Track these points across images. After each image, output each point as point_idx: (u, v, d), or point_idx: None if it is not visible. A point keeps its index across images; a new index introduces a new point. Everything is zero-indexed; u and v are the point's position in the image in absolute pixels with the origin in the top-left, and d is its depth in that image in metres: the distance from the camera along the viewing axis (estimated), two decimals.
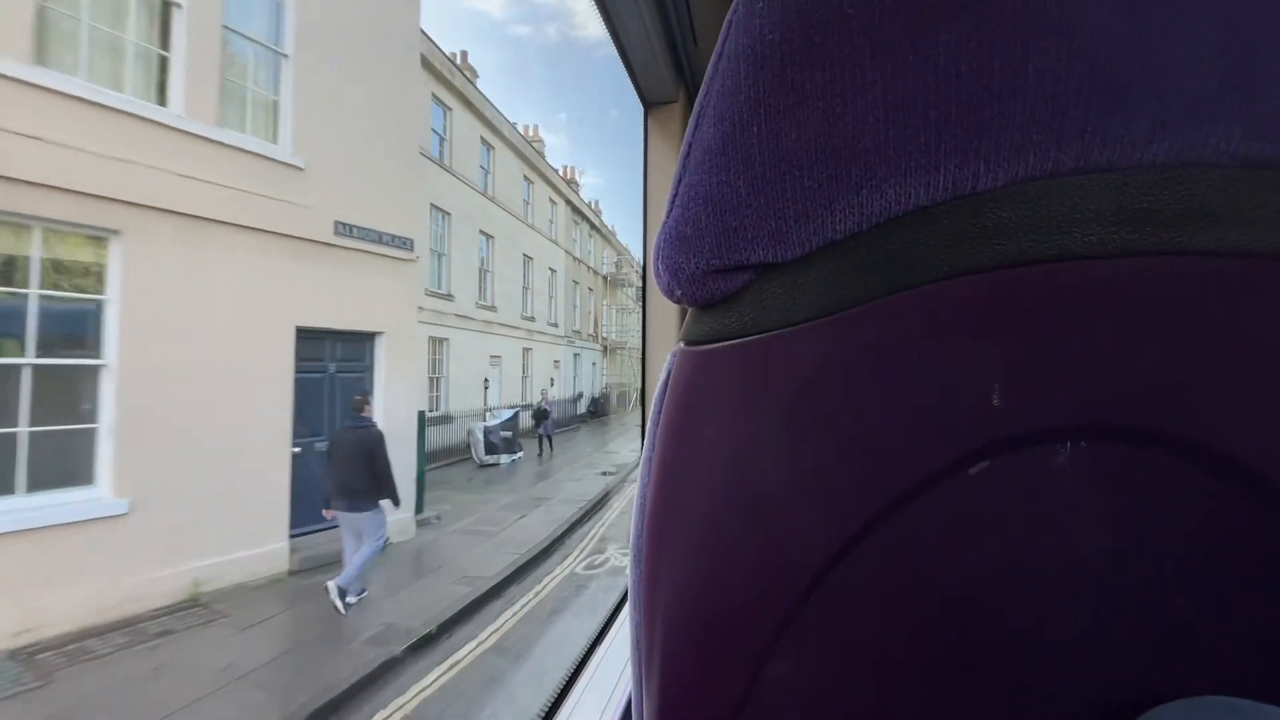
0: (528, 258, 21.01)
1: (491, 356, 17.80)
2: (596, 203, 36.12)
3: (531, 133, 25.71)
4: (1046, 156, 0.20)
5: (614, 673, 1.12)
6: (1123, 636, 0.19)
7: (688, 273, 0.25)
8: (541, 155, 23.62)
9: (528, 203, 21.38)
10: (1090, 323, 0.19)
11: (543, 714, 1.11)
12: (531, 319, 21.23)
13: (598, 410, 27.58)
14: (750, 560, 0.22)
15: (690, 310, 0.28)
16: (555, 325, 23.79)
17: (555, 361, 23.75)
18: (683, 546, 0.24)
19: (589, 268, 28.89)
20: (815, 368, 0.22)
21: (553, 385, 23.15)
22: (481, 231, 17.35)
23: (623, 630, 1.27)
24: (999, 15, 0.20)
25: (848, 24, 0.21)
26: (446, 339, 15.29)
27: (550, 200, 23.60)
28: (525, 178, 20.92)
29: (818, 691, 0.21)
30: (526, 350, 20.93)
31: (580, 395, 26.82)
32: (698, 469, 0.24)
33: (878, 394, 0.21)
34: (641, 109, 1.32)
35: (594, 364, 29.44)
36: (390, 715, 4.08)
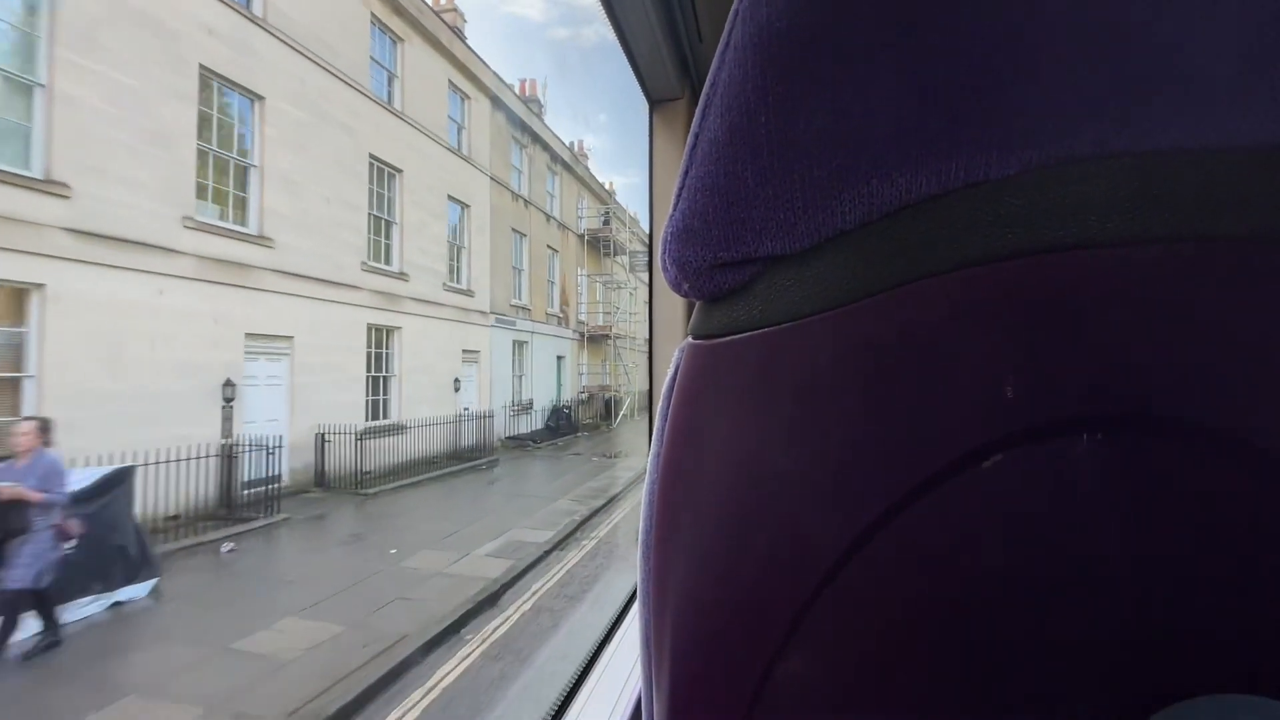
0: (386, 169, 12.06)
1: (252, 338, 8.89)
2: (581, 144, 27.12)
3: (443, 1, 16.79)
4: (1062, 142, 0.19)
5: (624, 670, 1.11)
6: (1141, 632, 0.18)
7: (695, 266, 0.25)
8: (460, 37, 14.70)
9: (392, 75, 12.43)
10: (1107, 311, 0.19)
11: (553, 711, 1.11)
12: (401, 275, 12.30)
13: (561, 426, 18.51)
14: (760, 556, 0.22)
15: (698, 304, 0.27)
16: (468, 292, 14.83)
17: (468, 351, 14.77)
18: (691, 543, 0.24)
19: (550, 218, 19.83)
20: (824, 361, 0.22)
21: (458, 390, 14.16)
22: (220, 79, 8.45)
23: (632, 627, 1.25)
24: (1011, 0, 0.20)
25: (857, 10, 0.21)
26: (32, 289, 6.42)
27: (455, 90, 14.63)
28: (377, 21, 11.96)
29: (829, 690, 0.21)
30: (386, 331, 12.02)
31: (528, 404, 17.78)
32: (706, 464, 0.24)
33: (889, 387, 0.21)
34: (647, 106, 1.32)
35: (560, 357, 20.37)
36: None
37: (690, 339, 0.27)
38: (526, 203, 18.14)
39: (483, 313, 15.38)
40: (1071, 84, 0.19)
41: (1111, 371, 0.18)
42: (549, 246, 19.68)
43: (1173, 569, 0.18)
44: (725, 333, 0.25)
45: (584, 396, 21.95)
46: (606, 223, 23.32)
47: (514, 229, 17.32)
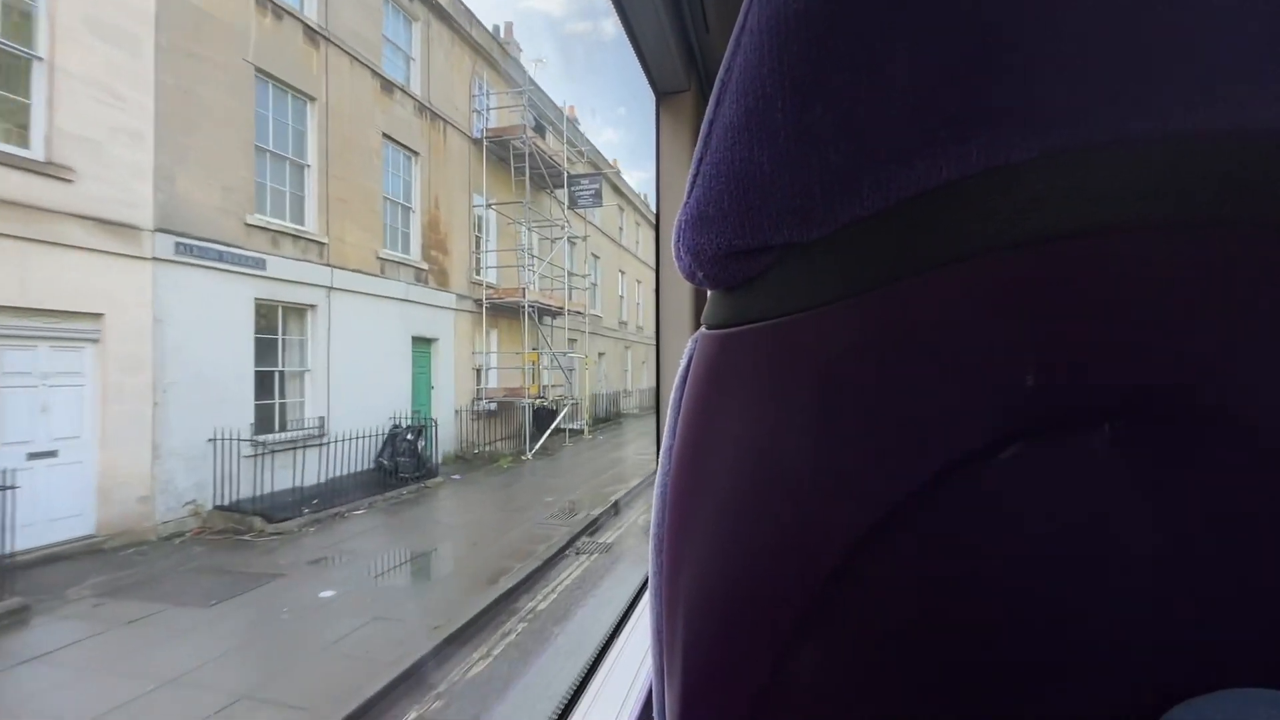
0: None
1: None
2: (510, 27, 18.23)
3: None
4: (1082, 127, 0.19)
5: (634, 662, 1.10)
6: (1161, 626, 0.18)
7: (709, 254, 0.25)
8: None
9: None
10: (1129, 299, 0.19)
11: (563, 704, 1.09)
12: None
13: (401, 466, 9.71)
14: (772, 549, 0.22)
15: (711, 293, 0.27)
16: (53, 170, 6.01)
17: (48, 311, 5.96)
18: (704, 535, 0.24)
19: (395, 86, 11.01)
20: (840, 350, 0.22)
21: (39, 411, 5.39)
22: None
23: (643, 619, 1.24)
24: None
25: None
26: None
27: None
28: None
29: (839, 682, 0.21)
30: None
31: (314, 429, 8.94)
32: (720, 455, 0.24)
33: (905, 376, 0.20)
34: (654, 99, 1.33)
35: (427, 340, 11.55)
36: None
37: (704, 329, 0.26)
38: (317, 35, 9.31)
39: (119, 225, 6.60)
40: (1092, 67, 0.19)
41: (1133, 361, 0.18)
42: (390, 138, 10.82)
43: (1197, 561, 0.18)
44: (739, 322, 0.24)
45: (489, 405, 13.10)
46: (537, 128, 14.34)
47: (263, 71, 8.49)
